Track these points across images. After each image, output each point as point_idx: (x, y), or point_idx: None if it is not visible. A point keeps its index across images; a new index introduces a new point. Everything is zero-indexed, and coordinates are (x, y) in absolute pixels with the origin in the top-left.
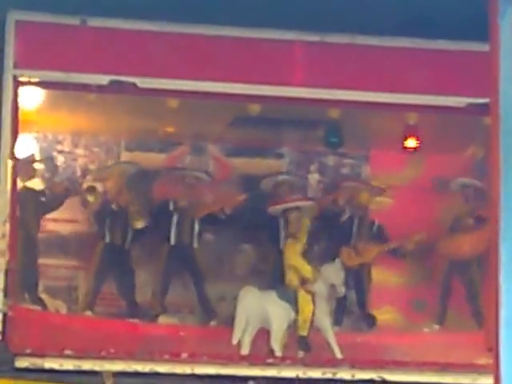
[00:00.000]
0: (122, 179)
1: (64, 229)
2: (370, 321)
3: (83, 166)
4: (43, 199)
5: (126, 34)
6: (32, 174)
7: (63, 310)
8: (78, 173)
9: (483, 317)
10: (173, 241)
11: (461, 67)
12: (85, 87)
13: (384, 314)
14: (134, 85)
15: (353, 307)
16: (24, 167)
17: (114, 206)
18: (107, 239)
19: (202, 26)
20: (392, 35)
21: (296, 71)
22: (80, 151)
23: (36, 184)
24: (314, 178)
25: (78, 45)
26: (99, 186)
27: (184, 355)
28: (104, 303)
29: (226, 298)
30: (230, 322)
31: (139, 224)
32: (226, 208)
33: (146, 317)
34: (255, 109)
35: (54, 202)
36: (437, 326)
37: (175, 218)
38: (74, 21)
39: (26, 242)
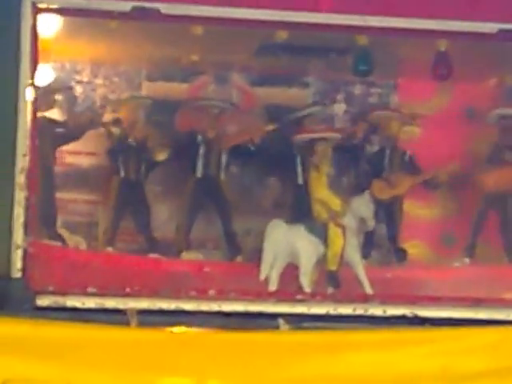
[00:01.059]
0: (138, 113)
1: (83, 162)
2: (401, 255)
3: (103, 96)
4: (63, 130)
5: None
6: (51, 104)
7: (83, 247)
8: (98, 103)
9: None
10: (199, 173)
11: None
12: (106, 14)
13: (413, 248)
14: (158, 11)
15: (382, 241)
16: (43, 97)
17: (130, 140)
18: (122, 174)
19: None
20: None
21: None
22: (99, 81)
23: (55, 114)
24: (340, 107)
25: None
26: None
27: (211, 292)
28: (125, 239)
29: (251, 233)
30: (256, 257)
31: (161, 156)
32: (254, 139)
33: (169, 253)
34: (282, 36)
35: (75, 134)
36: (467, 260)
37: (202, 150)
38: None
39: (45, 176)
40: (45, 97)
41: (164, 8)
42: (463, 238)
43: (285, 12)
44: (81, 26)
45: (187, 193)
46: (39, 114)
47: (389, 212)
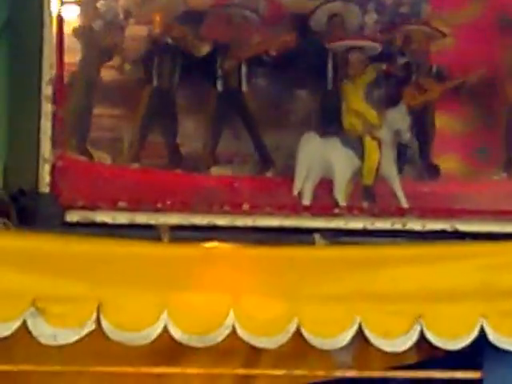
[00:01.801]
0: (171, 14)
1: (110, 75)
2: (434, 171)
3: (125, 7)
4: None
5: None
6: (93, 15)
7: (107, 162)
8: (121, 15)
9: None
10: (220, 86)
11: None
12: None
13: (446, 162)
14: None
15: (414, 156)
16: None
17: (166, 40)
18: (155, 83)
19: None
20: None
21: None
22: None
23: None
24: (371, 17)
25: None
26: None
27: (244, 207)
28: (151, 154)
29: (281, 147)
30: (287, 172)
31: (205, 49)
32: (272, 49)
33: (197, 168)
34: None
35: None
36: (504, 174)
37: (220, 62)
38: None
39: (83, 89)
40: (84, 6)
41: None
42: (498, 151)
43: None
44: None
45: (210, 107)
46: (81, 24)
47: (420, 125)
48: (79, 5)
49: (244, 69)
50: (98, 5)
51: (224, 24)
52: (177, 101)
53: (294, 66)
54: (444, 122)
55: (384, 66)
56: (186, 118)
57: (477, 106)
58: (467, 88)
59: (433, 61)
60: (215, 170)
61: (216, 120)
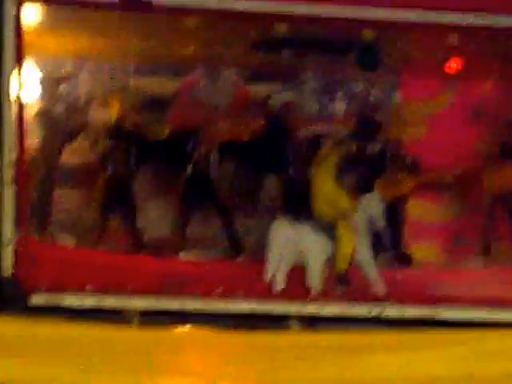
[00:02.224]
0: (131, 104)
1: (70, 160)
2: (404, 259)
3: (88, 92)
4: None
5: None
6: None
7: (72, 245)
8: (83, 100)
9: None
10: (190, 171)
11: None
12: (94, 4)
13: (423, 251)
14: (149, 2)
15: (385, 244)
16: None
17: (121, 131)
18: (110, 170)
19: None
20: None
21: None
22: (84, 76)
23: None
24: (340, 106)
25: None
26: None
27: (216, 291)
28: (115, 238)
29: (251, 232)
30: (258, 257)
31: (163, 134)
32: (245, 135)
33: (166, 252)
34: (281, 29)
35: (74, 131)
36: (481, 261)
37: (191, 147)
38: None
39: (45, 172)
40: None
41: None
42: (475, 238)
43: (285, 3)
44: (66, 17)
45: (179, 192)
46: (41, 109)
47: (392, 214)
48: (40, 88)
49: (214, 154)
50: (60, 88)
51: (191, 110)
52: (140, 186)
53: (262, 151)
54: (421, 209)
55: (354, 147)
56: (153, 202)
57: (454, 194)
58: (442, 183)
59: (406, 150)
60: (184, 255)
61: (184, 204)
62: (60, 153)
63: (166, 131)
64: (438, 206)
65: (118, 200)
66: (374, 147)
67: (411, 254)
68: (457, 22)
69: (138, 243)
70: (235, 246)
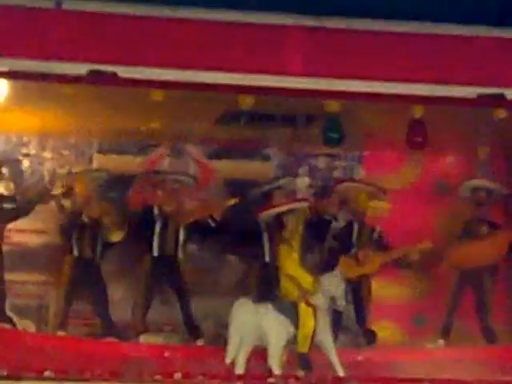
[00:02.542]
0: (92, 188)
1: (31, 240)
2: (370, 337)
3: (51, 170)
4: (10, 206)
5: (106, 19)
6: None
7: (32, 330)
8: (46, 178)
9: (492, 331)
10: (155, 251)
11: (470, 54)
12: (60, 78)
13: (383, 330)
14: (115, 75)
15: (349, 322)
16: None
17: (84, 218)
18: (76, 253)
19: (190, 9)
20: (396, 19)
21: (291, 59)
22: (48, 154)
23: (1, 189)
24: (303, 181)
25: (52, 30)
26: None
27: (176, 376)
28: (77, 322)
29: (211, 315)
30: (218, 340)
31: (116, 237)
32: (215, 214)
33: (126, 336)
34: (247, 102)
35: (23, 209)
36: (441, 342)
37: (158, 227)
38: (48, 3)
39: None
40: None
41: (122, 71)
42: (436, 318)
43: (250, 75)
44: (31, 92)
45: (143, 273)
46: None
47: (357, 292)
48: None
49: (182, 234)
50: (23, 167)
51: (156, 188)
52: (104, 268)
53: (227, 231)
54: (380, 288)
55: (318, 229)
56: (116, 284)
57: (417, 272)
58: (407, 261)
59: (371, 225)
60: (145, 338)
61: (148, 286)
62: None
63: (121, 234)
64: (399, 284)
65: (86, 283)
66: (338, 223)
67: (375, 331)
68: (421, 93)
69: (108, 326)
70: (193, 330)
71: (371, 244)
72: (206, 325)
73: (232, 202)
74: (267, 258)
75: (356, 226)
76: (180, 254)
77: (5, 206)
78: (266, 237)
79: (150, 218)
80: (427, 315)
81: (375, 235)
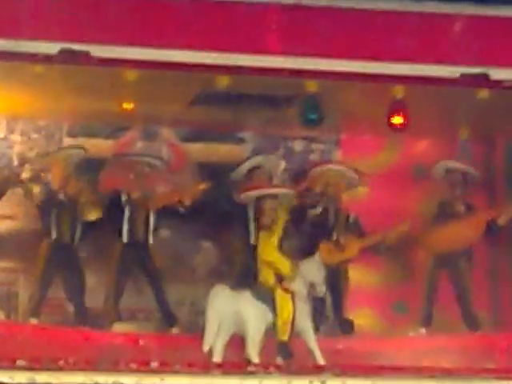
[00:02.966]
0: (69, 166)
1: (0, 227)
2: (347, 326)
3: (20, 153)
4: None
5: None
6: None
7: (1, 318)
8: (15, 162)
9: (474, 318)
10: (125, 238)
11: (453, 33)
12: (30, 57)
13: (362, 318)
14: (88, 53)
15: (327, 310)
16: None
17: (61, 197)
18: (54, 236)
19: None
20: None
21: (270, 38)
22: (16, 137)
23: None
24: (279, 165)
25: (23, 8)
26: (42, 175)
27: (152, 365)
28: (50, 310)
29: (186, 302)
30: (194, 328)
31: (93, 215)
32: (185, 199)
33: (99, 324)
34: (223, 82)
35: None
36: (423, 330)
37: (127, 212)
38: None
39: None
40: None
41: (94, 50)
42: (416, 305)
43: (227, 54)
44: (1, 72)
45: (114, 260)
46: None
47: (333, 279)
48: None
49: (152, 220)
50: None
51: (127, 172)
52: (80, 254)
53: (201, 216)
54: (359, 275)
55: (297, 214)
56: (89, 271)
57: (395, 258)
58: (386, 245)
59: (347, 210)
60: (118, 327)
61: (119, 273)
62: None
63: (97, 213)
64: (378, 270)
65: (62, 268)
66: (315, 209)
67: (353, 320)
68: (403, 73)
69: (81, 314)
70: (168, 317)
71: (348, 229)
72: (181, 312)
73: (202, 186)
74: (245, 243)
75: (332, 211)
76: (151, 240)
77: None
78: (242, 221)
79: (119, 202)
80: (407, 302)
81: (350, 220)
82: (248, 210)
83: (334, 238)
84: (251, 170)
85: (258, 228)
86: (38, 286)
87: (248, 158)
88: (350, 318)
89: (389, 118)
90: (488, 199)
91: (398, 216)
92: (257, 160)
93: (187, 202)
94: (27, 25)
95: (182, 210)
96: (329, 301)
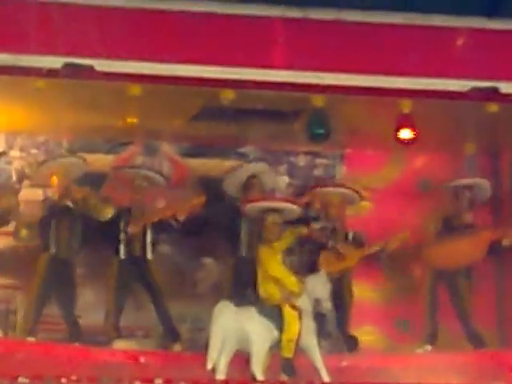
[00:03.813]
0: (69, 174)
1: (1, 242)
2: (352, 343)
3: (19, 169)
4: None
5: (83, 10)
6: None
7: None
8: (14, 177)
9: (477, 335)
10: (122, 254)
11: (463, 46)
12: (34, 71)
13: (366, 335)
14: (92, 68)
15: (330, 327)
16: None
17: (66, 203)
18: (52, 250)
19: (170, 0)
20: (383, 10)
21: (275, 52)
22: (16, 153)
23: None
24: (283, 180)
25: (27, 22)
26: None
27: (158, 382)
28: (48, 327)
29: (188, 319)
30: (195, 345)
31: (107, 213)
32: (179, 214)
33: (99, 341)
34: (228, 96)
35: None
36: (429, 347)
37: (123, 227)
38: None
39: None
40: None
41: (98, 65)
42: (419, 322)
43: (232, 69)
44: (2, 87)
45: (113, 276)
46: None
47: (337, 294)
48: None
49: (149, 235)
50: None
51: (126, 186)
52: (77, 270)
53: (202, 231)
54: (363, 291)
55: (305, 230)
56: (86, 287)
57: (397, 273)
58: (387, 254)
59: (350, 226)
60: (118, 344)
61: (118, 290)
62: None
63: (112, 210)
64: (380, 286)
65: (58, 284)
66: (316, 224)
67: (357, 337)
68: (410, 87)
69: (75, 331)
70: (170, 334)
71: (349, 243)
72: (182, 329)
73: (197, 200)
74: (247, 259)
75: (329, 230)
76: (149, 256)
77: None
78: (245, 235)
79: (115, 218)
80: (410, 320)
81: (351, 235)
82: (250, 224)
83: (334, 246)
84: (247, 180)
85: (262, 242)
86: (34, 304)
87: (240, 167)
88: (354, 334)
89: (396, 133)
90: (493, 216)
91: (402, 230)
92: (252, 168)
93: (181, 216)
94: (31, 39)
95: (175, 224)
96: (332, 317)
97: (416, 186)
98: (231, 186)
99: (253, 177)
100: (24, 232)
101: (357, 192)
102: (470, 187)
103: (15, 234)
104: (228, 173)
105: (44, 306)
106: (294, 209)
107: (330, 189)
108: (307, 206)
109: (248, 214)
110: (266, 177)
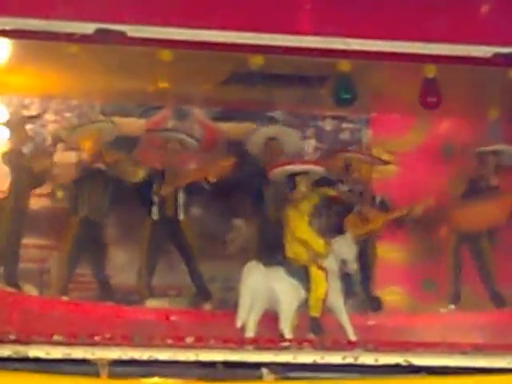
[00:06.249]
0: (102, 138)
1: (35, 204)
2: (376, 303)
3: (54, 132)
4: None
5: None
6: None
7: (36, 295)
8: (49, 141)
9: (499, 295)
10: (155, 215)
11: (485, 12)
12: (67, 37)
13: (391, 295)
14: (123, 33)
15: (355, 287)
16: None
17: (99, 166)
18: (84, 212)
19: None
20: None
21: (303, 18)
22: (50, 116)
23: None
24: (310, 144)
25: None
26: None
27: (188, 340)
28: (80, 287)
29: (218, 279)
30: (225, 304)
31: (139, 174)
32: (210, 176)
33: (132, 300)
34: (257, 61)
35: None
36: (452, 306)
37: (156, 189)
38: None
39: (14, 218)
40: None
41: (130, 30)
42: (443, 282)
43: (259, 34)
44: (32, 52)
45: (144, 238)
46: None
47: (362, 255)
48: (8, 128)
49: (181, 196)
50: (27, 129)
51: (159, 149)
52: (108, 230)
53: (232, 193)
54: (388, 252)
55: (332, 192)
56: (118, 248)
57: (422, 235)
58: (412, 218)
59: (375, 189)
60: (151, 303)
61: (150, 250)
62: (29, 197)
63: (143, 172)
64: (405, 247)
65: (88, 245)
66: (342, 187)
67: (381, 297)
68: (434, 52)
69: (105, 291)
70: (201, 293)
71: (374, 207)
72: (213, 289)
73: (226, 162)
74: (275, 220)
75: (359, 191)
76: (181, 217)
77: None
78: (276, 198)
79: (150, 180)
80: (434, 279)
81: (379, 198)
82: (276, 186)
83: (359, 210)
84: (266, 142)
85: (288, 205)
86: (66, 264)
87: (257, 130)
88: (378, 295)
89: (421, 97)
90: None
91: (427, 194)
92: (269, 131)
93: (212, 178)
94: (63, 5)
95: (206, 186)
96: (358, 277)
97: (440, 150)
98: (254, 149)
99: (272, 139)
100: (60, 193)
101: (380, 159)
102: (495, 152)
103: (51, 195)
104: (248, 136)
105: (76, 266)
106: (320, 171)
107: (355, 154)
108: (334, 168)
109: (274, 178)
110: (287, 139)
